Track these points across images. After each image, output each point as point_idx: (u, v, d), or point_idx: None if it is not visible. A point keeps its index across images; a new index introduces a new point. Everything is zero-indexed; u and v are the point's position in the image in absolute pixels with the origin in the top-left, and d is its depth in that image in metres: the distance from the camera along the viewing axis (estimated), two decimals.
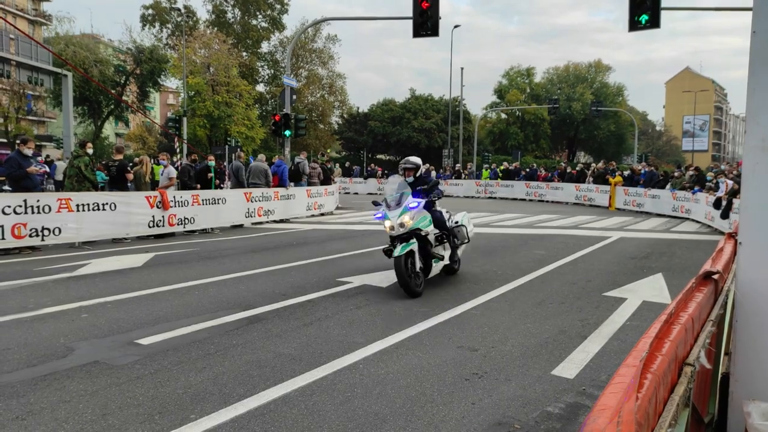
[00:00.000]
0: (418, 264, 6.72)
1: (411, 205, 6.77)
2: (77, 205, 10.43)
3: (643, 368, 1.23)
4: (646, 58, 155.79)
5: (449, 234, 7.53)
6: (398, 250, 6.49)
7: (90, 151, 11.65)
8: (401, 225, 6.65)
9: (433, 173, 30.98)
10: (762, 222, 2.66)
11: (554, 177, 28.19)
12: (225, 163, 23.75)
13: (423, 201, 7.03)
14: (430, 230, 7.00)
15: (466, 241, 7.97)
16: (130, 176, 12.37)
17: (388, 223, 6.78)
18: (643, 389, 1.17)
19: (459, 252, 8.11)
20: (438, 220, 7.32)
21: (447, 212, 7.93)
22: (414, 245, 6.62)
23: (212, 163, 15.31)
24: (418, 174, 7.49)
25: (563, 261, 9.49)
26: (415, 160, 7.61)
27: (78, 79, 36.20)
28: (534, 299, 6.72)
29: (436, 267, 7.18)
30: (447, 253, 7.51)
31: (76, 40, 42.88)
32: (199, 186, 14.00)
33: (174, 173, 13.43)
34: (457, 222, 7.94)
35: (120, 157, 12.52)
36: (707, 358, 1.85)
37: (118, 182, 12.21)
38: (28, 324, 5.40)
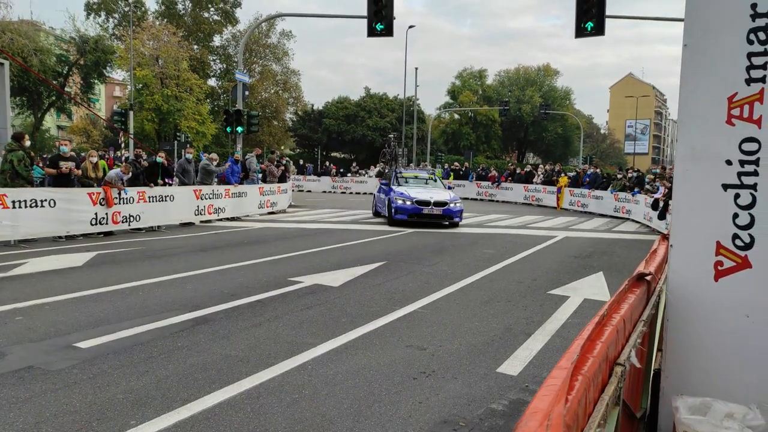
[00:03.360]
0: None
1: None
2: (13, 202, 9.91)
3: (574, 370, 1.27)
4: (592, 63, 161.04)
5: None
6: None
7: (27, 144, 11.05)
8: None
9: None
10: (692, 225, 2.80)
11: (502, 176, 28.81)
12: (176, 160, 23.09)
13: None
14: None
15: None
16: (72, 170, 11.71)
17: None
18: (573, 391, 1.21)
19: None
20: None
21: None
22: None
23: (161, 159, 14.67)
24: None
25: (511, 260, 9.72)
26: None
27: (16, 68, 34.30)
28: (482, 298, 6.85)
29: None
30: None
31: (14, 26, 40.50)
32: (151, 185, 13.30)
33: (112, 175, 12.30)
34: None
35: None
36: (638, 358, 1.93)
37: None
38: None
